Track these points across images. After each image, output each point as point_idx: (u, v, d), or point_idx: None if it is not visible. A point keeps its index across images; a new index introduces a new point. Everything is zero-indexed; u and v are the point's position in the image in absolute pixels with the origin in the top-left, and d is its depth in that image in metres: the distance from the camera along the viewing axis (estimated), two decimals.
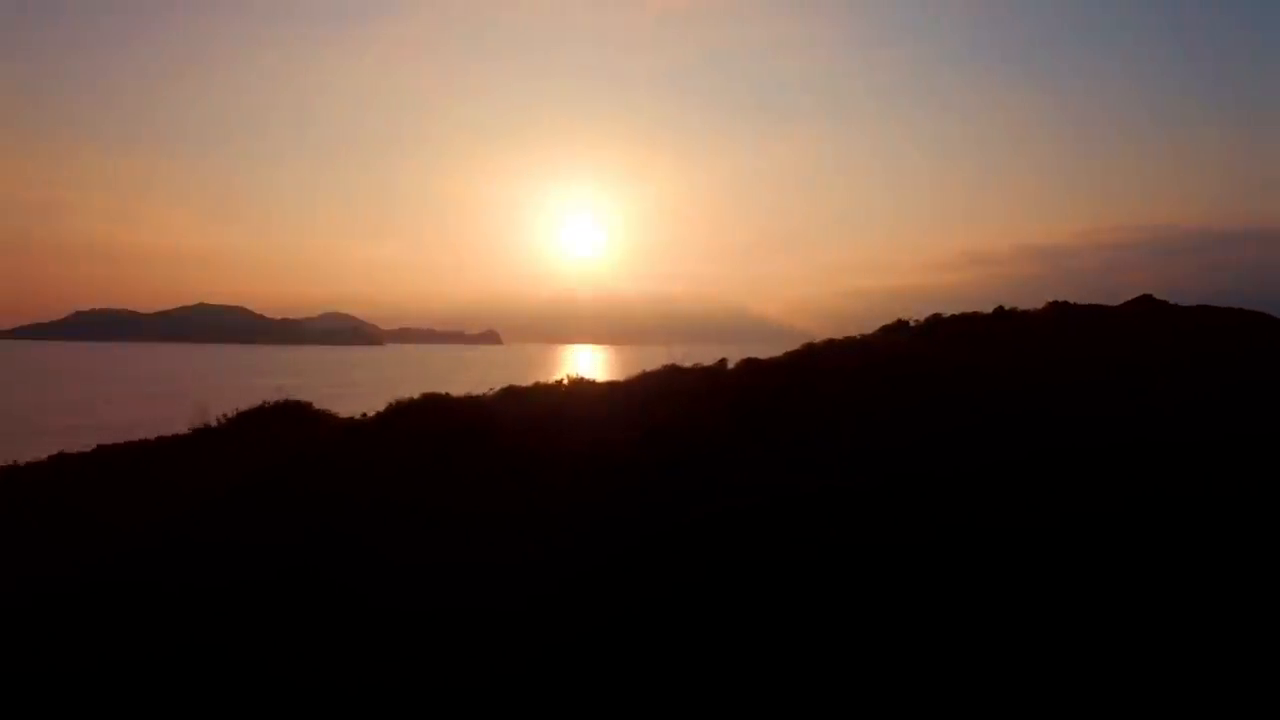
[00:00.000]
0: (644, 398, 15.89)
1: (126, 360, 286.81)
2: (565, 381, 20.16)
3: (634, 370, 21.12)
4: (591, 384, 20.21)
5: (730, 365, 18.59)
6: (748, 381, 16.36)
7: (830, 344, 18.73)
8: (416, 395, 17.51)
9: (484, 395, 18.45)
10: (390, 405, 17.49)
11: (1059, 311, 19.48)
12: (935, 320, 19.59)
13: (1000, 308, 20.02)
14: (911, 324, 19.65)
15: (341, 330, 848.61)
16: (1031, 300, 20.74)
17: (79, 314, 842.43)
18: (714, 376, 17.26)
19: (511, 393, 18.46)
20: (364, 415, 18.09)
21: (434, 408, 16.91)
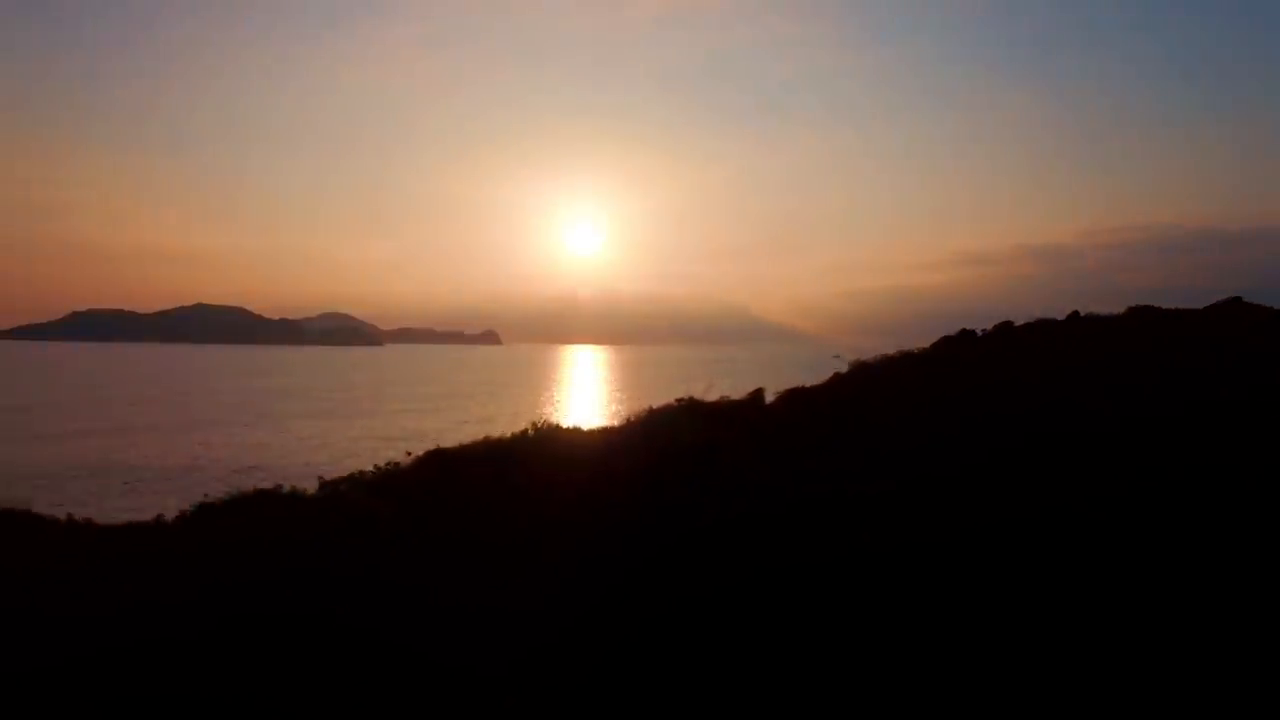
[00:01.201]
0: (647, 457, 11.79)
1: (124, 361, 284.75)
2: (531, 431, 13.92)
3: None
4: (568, 436, 14.17)
5: (769, 397, 14.62)
6: (789, 423, 12.49)
7: (886, 362, 15.85)
8: (228, 493, 11.48)
9: (391, 468, 12.65)
10: (191, 509, 11.72)
11: (1139, 316, 16.92)
12: (1004, 329, 16.95)
13: (1075, 313, 17.39)
14: (979, 333, 17.02)
15: (341, 330, 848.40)
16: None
17: (76, 314, 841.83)
18: (744, 418, 13.18)
19: (434, 462, 12.59)
20: (159, 519, 11.38)
21: (256, 513, 10.86)
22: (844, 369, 16.76)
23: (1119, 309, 17.18)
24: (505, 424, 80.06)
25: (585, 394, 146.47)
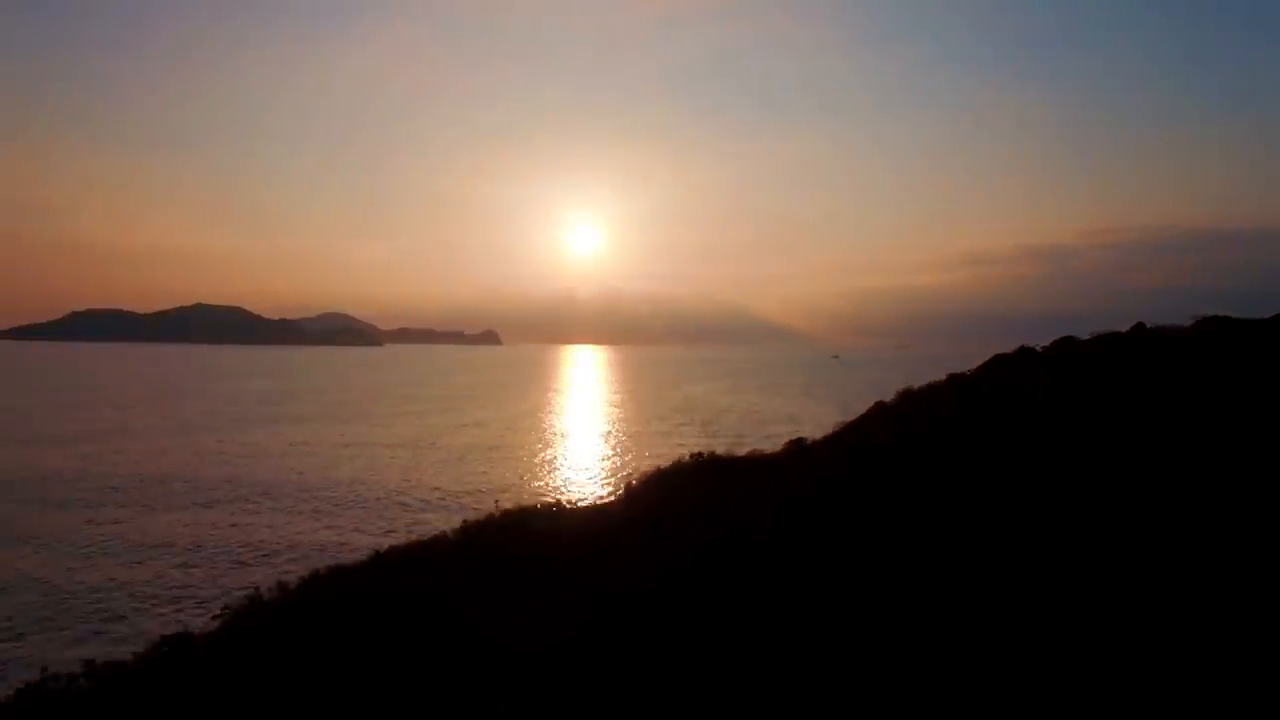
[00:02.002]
0: (646, 515, 8.64)
1: (121, 361, 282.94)
2: (496, 516, 9.59)
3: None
4: (557, 515, 9.86)
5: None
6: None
7: (937, 390, 13.49)
8: None
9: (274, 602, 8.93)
10: None
11: (1211, 329, 14.72)
12: (1065, 346, 14.73)
13: (1140, 325, 15.15)
14: (1039, 350, 14.87)
15: (340, 330, 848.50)
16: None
17: (75, 314, 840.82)
18: (776, 475, 9.71)
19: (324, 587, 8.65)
20: None
21: None
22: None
23: (1184, 320, 15.15)
24: (501, 428, 78.01)
25: (585, 397, 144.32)
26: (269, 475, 51.10)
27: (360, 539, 34.45)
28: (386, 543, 33.18)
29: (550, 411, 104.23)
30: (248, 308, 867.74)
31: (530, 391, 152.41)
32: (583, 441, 71.96)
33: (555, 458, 61.46)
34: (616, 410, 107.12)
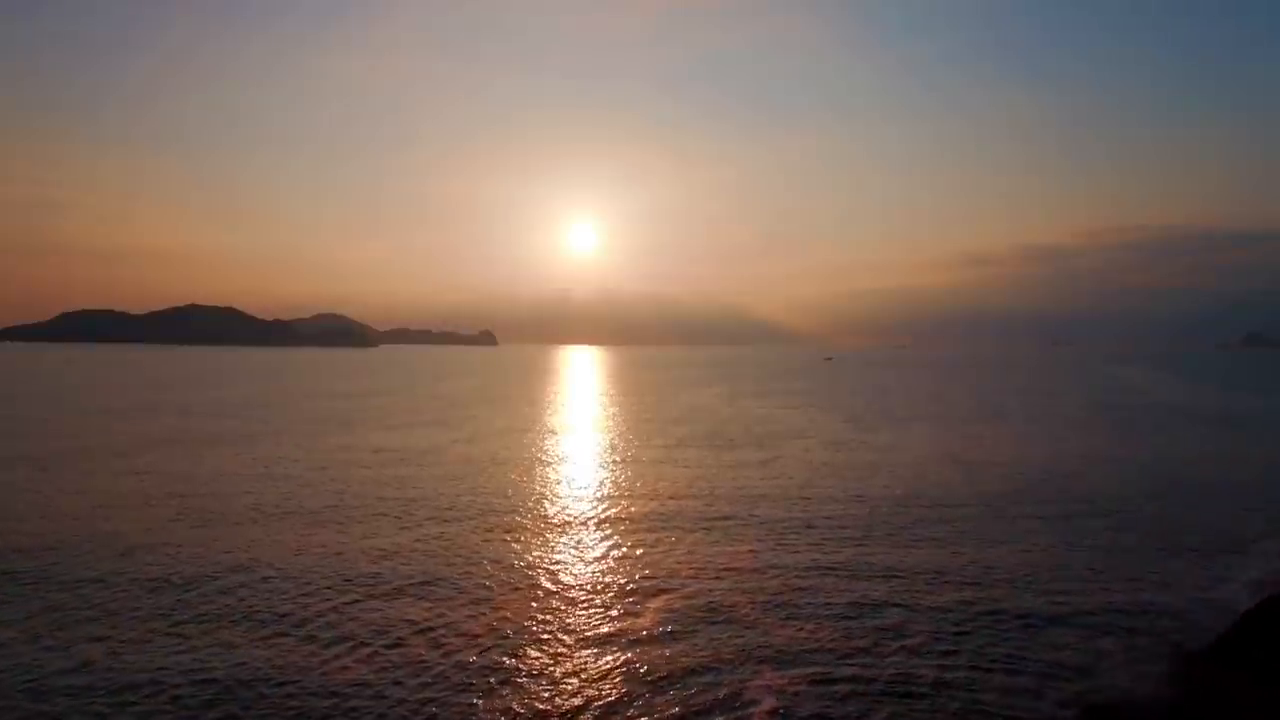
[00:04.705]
0: None
1: (106, 365, 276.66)
2: None
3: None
4: None
5: None
6: None
7: None
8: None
9: None
10: None
11: None
12: None
13: None
14: None
15: (335, 331, 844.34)
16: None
17: (66, 315, 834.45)
18: None
19: None
20: None
21: None
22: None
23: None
24: (494, 442, 69.85)
25: (579, 407, 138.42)
26: (194, 524, 44.42)
27: (293, 649, 27.49)
28: (329, 650, 25.18)
29: (542, 425, 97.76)
30: (242, 309, 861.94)
31: (522, 400, 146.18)
32: (576, 467, 65.27)
33: (545, 492, 54.74)
34: (613, 423, 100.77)
